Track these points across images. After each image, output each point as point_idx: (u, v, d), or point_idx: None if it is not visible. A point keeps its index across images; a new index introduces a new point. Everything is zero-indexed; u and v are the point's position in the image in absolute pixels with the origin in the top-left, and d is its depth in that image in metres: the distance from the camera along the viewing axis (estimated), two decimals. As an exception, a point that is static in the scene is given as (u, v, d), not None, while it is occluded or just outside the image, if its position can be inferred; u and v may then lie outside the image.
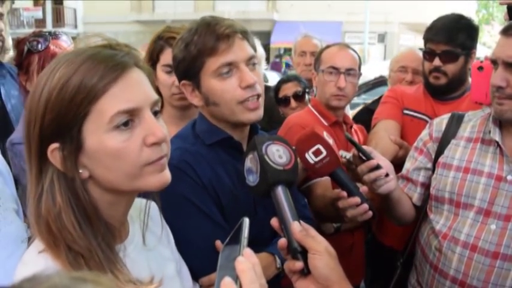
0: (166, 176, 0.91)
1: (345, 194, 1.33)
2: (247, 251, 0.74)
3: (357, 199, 1.31)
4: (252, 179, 1.04)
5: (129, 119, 0.85)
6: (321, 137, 1.24)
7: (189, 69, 1.31)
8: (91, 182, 0.88)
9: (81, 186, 0.86)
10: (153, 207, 1.07)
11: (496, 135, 1.49)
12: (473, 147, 1.57)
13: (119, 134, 0.84)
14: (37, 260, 0.82)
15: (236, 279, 0.68)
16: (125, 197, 0.94)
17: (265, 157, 1.00)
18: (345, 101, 2.01)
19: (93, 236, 0.84)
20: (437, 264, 1.55)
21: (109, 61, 0.84)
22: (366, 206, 1.32)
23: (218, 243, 1.27)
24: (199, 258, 1.25)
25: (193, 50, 1.27)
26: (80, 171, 0.85)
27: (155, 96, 0.90)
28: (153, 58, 1.81)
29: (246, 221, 0.81)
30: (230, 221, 1.31)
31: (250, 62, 1.31)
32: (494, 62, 1.45)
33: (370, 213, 1.34)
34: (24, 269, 0.83)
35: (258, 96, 1.32)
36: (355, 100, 4.31)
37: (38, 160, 0.85)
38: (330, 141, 1.25)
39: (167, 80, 1.78)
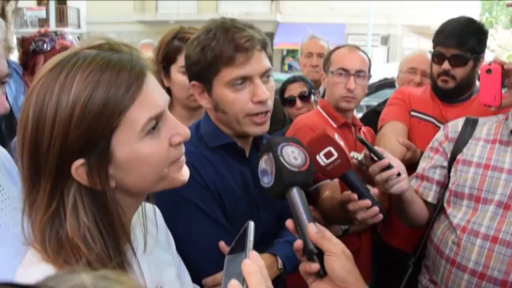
0: (187, 172, 0.94)
1: (355, 196, 1.32)
2: (254, 254, 0.74)
3: (368, 201, 1.30)
4: (267, 181, 1.03)
5: (156, 122, 0.85)
6: (333, 139, 1.23)
7: (202, 73, 1.29)
8: (115, 191, 0.86)
9: (113, 198, 0.83)
10: (150, 209, 1.06)
11: None
12: (491, 147, 1.61)
13: (149, 139, 0.84)
14: (40, 266, 0.79)
15: (243, 281, 0.68)
16: (140, 199, 0.94)
17: (281, 158, 1.00)
18: (354, 102, 2.01)
19: (116, 248, 0.83)
20: (454, 258, 1.55)
21: (130, 69, 0.81)
22: (376, 208, 1.31)
23: (222, 244, 1.27)
24: (203, 259, 1.25)
25: (209, 55, 1.25)
26: (111, 182, 0.83)
27: (168, 96, 0.90)
28: (169, 58, 1.79)
29: (251, 225, 0.81)
30: (233, 223, 1.31)
31: (265, 75, 1.30)
32: None
33: (381, 215, 1.33)
34: (25, 271, 0.81)
35: (267, 112, 1.32)
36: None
37: (55, 179, 0.79)
38: (341, 143, 1.24)
39: (185, 81, 1.77)
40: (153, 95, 0.84)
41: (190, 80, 1.35)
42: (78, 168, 0.79)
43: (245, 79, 1.27)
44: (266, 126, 1.34)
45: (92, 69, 0.79)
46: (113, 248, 0.82)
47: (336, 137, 1.24)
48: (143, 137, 0.83)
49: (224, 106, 1.30)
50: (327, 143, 1.23)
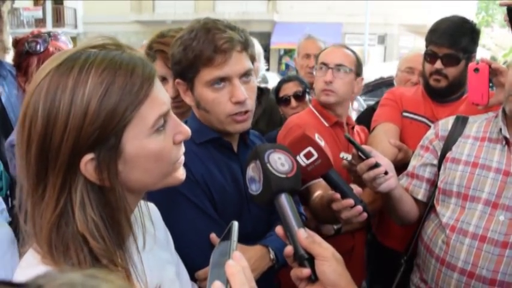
0: (184, 170, 0.97)
1: (338, 196, 1.33)
2: (237, 255, 0.74)
3: (351, 201, 1.31)
4: (255, 188, 1.04)
5: (164, 120, 0.88)
6: (312, 139, 1.24)
7: (184, 72, 1.33)
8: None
9: (122, 193, 0.84)
10: (147, 207, 1.06)
11: (506, 133, 1.55)
12: (480, 144, 1.63)
13: (158, 136, 0.86)
14: (38, 267, 0.79)
15: (226, 282, 0.69)
16: (139, 197, 0.96)
17: (268, 165, 1.00)
18: (334, 96, 1.99)
19: (119, 244, 0.84)
20: (444, 257, 1.57)
21: (143, 67, 0.84)
22: (359, 207, 1.32)
23: (213, 236, 1.29)
24: (195, 252, 1.26)
25: (190, 55, 1.28)
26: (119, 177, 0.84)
27: (169, 97, 0.93)
28: None
29: (235, 225, 0.82)
30: (223, 217, 1.33)
31: (245, 75, 1.32)
32: None
33: (365, 214, 1.33)
34: (23, 273, 0.81)
35: (247, 111, 1.34)
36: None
37: (65, 174, 0.79)
38: (322, 143, 1.25)
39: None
40: (160, 93, 0.87)
41: (175, 78, 1.38)
42: (87, 163, 0.80)
43: (224, 79, 1.30)
44: (248, 124, 1.38)
45: (106, 66, 0.80)
46: (117, 244, 0.83)
47: (317, 137, 1.25)
48: (152, 134, 0.85)
49: (205, 105, 1.34)
50: (306, 143, 1.24)
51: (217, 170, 1.37)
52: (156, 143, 0.86)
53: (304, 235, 0.96)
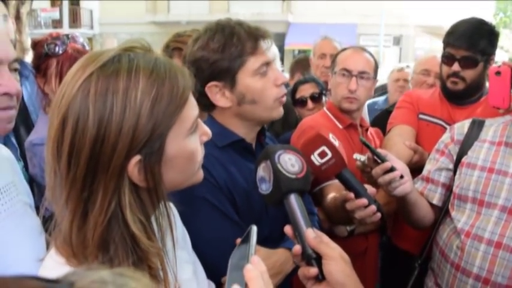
0: (202, 169, 1.01)
1: (352, 195, 1.33)
2: (255, 259, 0.75)
3: (364, 200, 1.30)
4: (265, 188, 1.05)
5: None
6: (326, 138, 1.24)
7: (224, 71, 1.34)
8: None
9: (164, 194, 0.88)
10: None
11: None
12: (496, 149, 1.60)
13: (193, 136, 0.91)
14: (65, 268, 0.80)
15: (245, 286, 0.70)
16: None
17: (278, 166, 1.02)
18: (356, 104, 2.00)
19: (157, 243, 0.88)
20: (459, 263, 1.55)
21: (182, 71, 0.88)
22: (373, 207, 1.32)
23: (238, 241, 1.28)
24: (220, 258, 1.26)
25: (234, 50, 1.32)
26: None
27: None
28: None
29: (254, 229, 0.83)
30: (244, 220, 1.34)
31: (274, 60, 1.40)
32: None
33: (379, 214, 1.33)
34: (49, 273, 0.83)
35: (284, 94, 1.43)
36: (368, 102, 4.30)
37: (117, 177, 0.80)
38: (336, 143, 1.25)
39: None
40: (192, 97, 0.91)
41: (205, 82, 1.36)
42: (134, 166, 0.81)
43: (267, 64, 1.36)
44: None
45: (153, 70, 0.82)
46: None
47: (331, 137, 1.25)
48: (189, 135, 0.89)
49: (254, 95, 1.36)
50: (320, 142, 1.24)
51: (239, 173, 1.38)
52: (192, 143, 0.90)
53: (312, 235, 0.97)
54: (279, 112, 1.43)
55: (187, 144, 0.89)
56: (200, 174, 1.00)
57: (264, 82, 1.36)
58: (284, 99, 1.42)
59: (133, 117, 0.79)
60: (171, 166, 0.87)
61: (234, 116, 1.41)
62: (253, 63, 1.34)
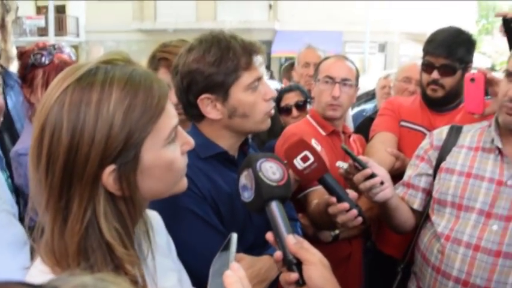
0: (186, 179, 1.02)
1: (334, 199, 1.36)
2: (235, 265, 0.78)
3: (346, 205, 1.34)
4: (247, 195, 1.07)
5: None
6: (308, 143, 1.28)
7: (218, 84, 1.36)
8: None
9: (140, 203, 0.89)
10: (152, 216, 1.09)
11: (499, 143, 1.57)
12: (474, 154, 1.65)
13: (171, 146, 0.91)
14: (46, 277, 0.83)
15: None
16: (147, 205, 0.99)
17: (260, 174, 1.04)
18: (340, 111, 2.04)
19: (134, 251, 0.88)
20: (439, 266, 1.59)
21: (158, 81, 0.90)
22: (354, 211, 1.34)
23: None
24: (204, 267, 1.27)
25: (229, 64, 1.34)
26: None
27: None
28: None
29: (234, 237, 0.86)
30: (229, 228, 1.34)
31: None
32: (510, 74, 1.54)
33: (360, 219, 1.36)
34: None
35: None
36: (356, 110, 4.36)
37: (91, 186, 0.82)
38: (318, 148, 1.29)
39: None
40: (171, 107, 0.92)
41: (198, 94, 1.38)
42: (109, 175, 0.83)
43: (259, 79, 1.39)
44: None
45: (127, 81, 0.84)
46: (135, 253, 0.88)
47: (313, 142, 1.29)
48: (166, 145, 0.90)
49: (245, 109, 1.39)
50: (303, 147, 1.28)
51: (223, 182, 1.40)
52: (169, 153, 0.91)
53: (293, 241, 0.99)
54: (267, 124, 1.46)
55: (165, 154, 0.90)
56: (183, 183, 1.01)
57: (255, 97, 1.39)
58: (272, 112, 1.45)
59: (106, 127, 0.81)
60: (148, 175, 0.89)
61: (222, 128, 1.43)
62: (246, 78, 1.36)
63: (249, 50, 1.37)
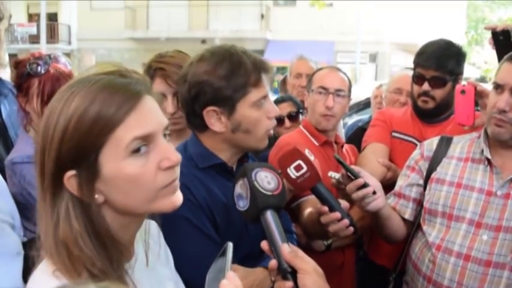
0: (179, 197, 0.96)
1: (326, 209, 1.38)
2: (231, 274, 0.80)
3: (338, 214, 1.36)
4: (242, 204, 1.09)
5: (143, 144, 0.87)
6: (302, 153, 1.31)
7: (227, 97, 1.37)
8: (106, 206, 0.90)
9: (97, 211, 0.88)
10: (153, 226, 1.11)
11: (488, 154, 1.60)
12: (464, 165, 1.68)
13: (135, 160, 0.87)
14: (50, 279, 0.82)
15: None
16: (136, 219, 0.98)
17: (255, 183, 1.06)
18: (333, 121, 2.08)
19: (108, 259, 0.86)
20: (430, 275, 1.62)
21: (125, 90, 0.87)
22: (346, 221, 1.37)
23: None
24: (199, 276, 1.28)
25: (240, 81, 1.36)
26: (96, 196, 0.87)
27: (166, 121, 0.94)
28: None
29: (230, 246, 0.88)
30: (225, 238, 1.35)
31: None
32: (498, 86, 1.56)
33: (351, 228, 1.39)
34: (35, 286, 0.85)
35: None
36: (347, 120, 4.39)
37: (53, 186, 0.87)
38: (311, 157, 1.31)
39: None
40: (144, 117, 0.87)
41: (204, 105, 1.39)
42: (70, 179, 0.86)
43: (265, 97, 1.42)
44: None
45: (94, 89, 0.86)
46: (106, 257, 0.87)
47: (307, 152, 1.31)
48: (128, 156, 0.86)
49: (248, 125, 1.41)
50: (296, 156, 1.31)
51: (220, 191, 1.41)
52: (132, 167, 0.86)
53: (288, 250, 1.01)
54: (265, 144, 1.48)
55: (125, 167, 0.86)
56: (172, 201, 0.94)
57: (260, 114, 1.41)
58: (272, 132, 1.47)
59: (61, 131, 0.84)
60: (113, 187, 0.88)
61: (223, 141, 1.44)
62: (254, 95, 1.39)
63: (259, 68, 1.39)
